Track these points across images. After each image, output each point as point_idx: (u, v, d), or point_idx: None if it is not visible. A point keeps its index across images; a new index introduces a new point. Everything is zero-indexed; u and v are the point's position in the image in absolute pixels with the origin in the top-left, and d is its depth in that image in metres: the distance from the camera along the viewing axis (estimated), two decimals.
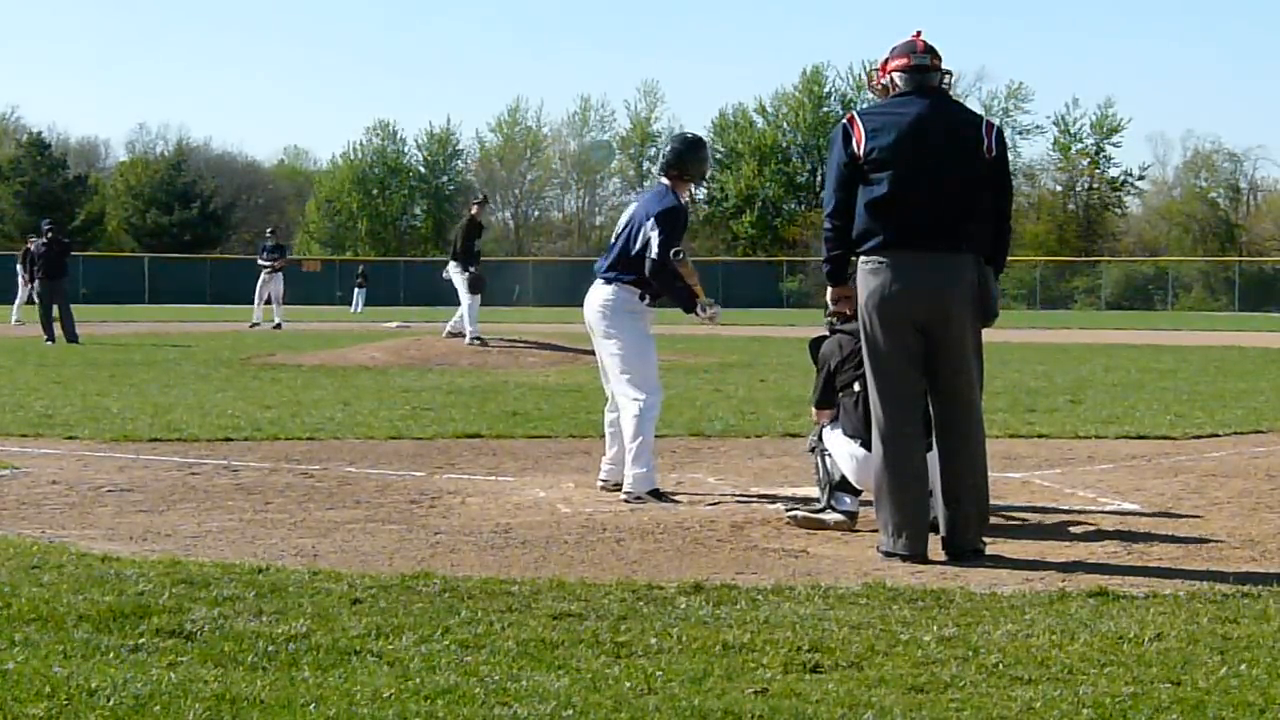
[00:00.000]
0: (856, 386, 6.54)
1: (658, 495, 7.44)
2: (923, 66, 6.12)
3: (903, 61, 6.14)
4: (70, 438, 9.96)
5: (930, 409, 6.11)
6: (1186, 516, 7.02)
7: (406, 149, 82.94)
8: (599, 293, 7.75)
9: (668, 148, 8.02)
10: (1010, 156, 6.45)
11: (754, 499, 7.56)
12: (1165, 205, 76.75)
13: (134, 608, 4.56)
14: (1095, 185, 75.71)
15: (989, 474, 6.23)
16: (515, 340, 20.70)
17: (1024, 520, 6.90)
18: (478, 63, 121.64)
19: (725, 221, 75.81)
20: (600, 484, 7.80)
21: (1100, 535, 6.51)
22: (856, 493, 6.68)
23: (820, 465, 6.82)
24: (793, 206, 75.40)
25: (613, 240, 7.84)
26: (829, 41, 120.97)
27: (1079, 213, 75.10)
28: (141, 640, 4.20)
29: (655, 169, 8.72)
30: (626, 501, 7.40)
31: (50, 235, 23.46)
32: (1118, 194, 76.59)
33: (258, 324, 28.78)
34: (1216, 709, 3.66)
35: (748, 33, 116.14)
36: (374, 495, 7.58)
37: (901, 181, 5.94)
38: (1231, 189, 75.70)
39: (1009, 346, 22.56)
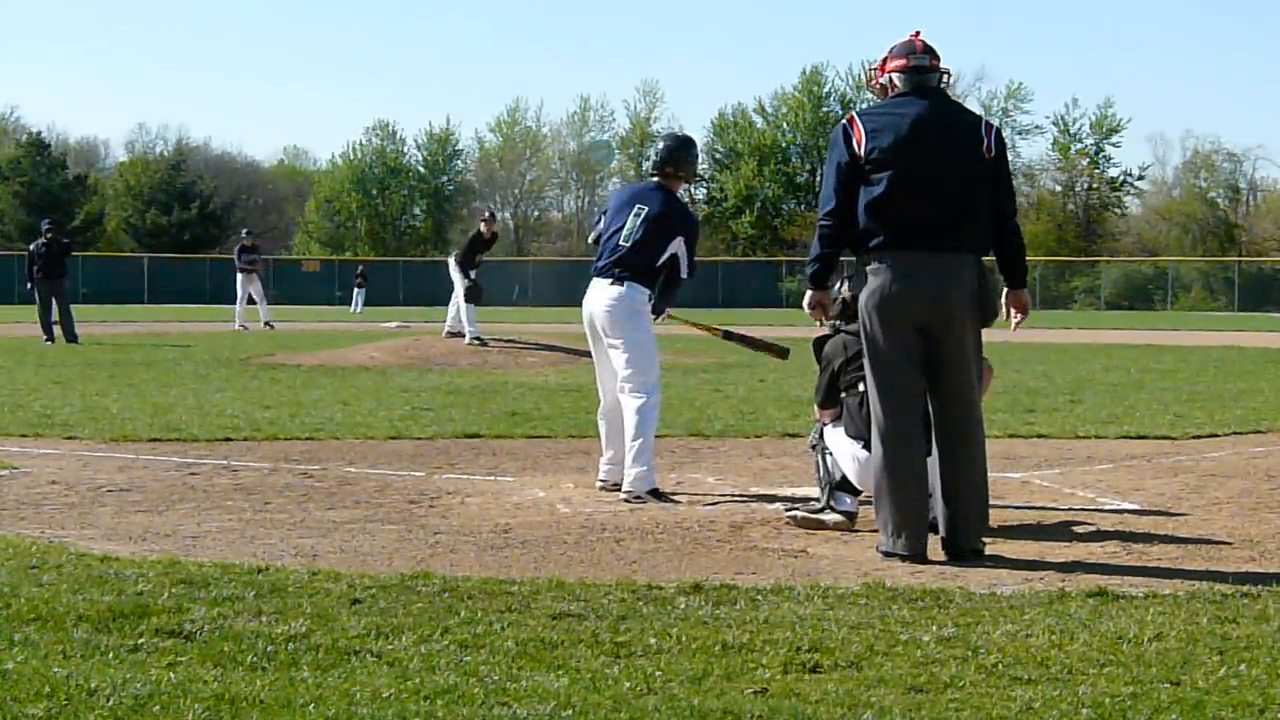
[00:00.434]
0: (860, 387, 6.53)
1: (657, 495, 7.44)
2: (921, 67, 6.12)
3: (901, 62, 6.14)
4: (70, 438, 9.96)
5: (930, 409, 6.11)
6: (1186, 516, 7.02)
7: (406, 149, 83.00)
8: (606, 292, 7.72)
9: (660, 146, 8.12)
10: (1010, 157, 6.45)
11: (753, 499, 7.56)
12: (1165, 205, 76.76)
13: (133, 608, 4.56)
14: (1095, 185, 75.70)
15: (988, 474, 6.23)
16: (514, 340, 20.70)
17: (1023, 520, 6.90)
18: (477, 63, 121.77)
19: (725, 221, 75.79)
20: (599, 484, 7.80)
21: (1100, 535, 6.51)
22: (856, 493, 6.68)
23: (820, 464, 6.82)
24: (792, 206, 75.36)
25: (620, 241, 7.73)
26: (828, 42, 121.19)
27: (1078, 213, 75.09)
28: (141, 640, 4.20)
29: (648, 166, 8.70)
30: (626, 501, 7.40)
31: (50, 235, 23.48)
32: (1117, 194, 76.59)
33: (245, 328, 28.73)
34: (1216, 709, 3.66)
35: (747, 33, 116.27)
36: (373, 495, 7.58)
37: (901, 182, 5.94)
38: (1231, 189, 75.68)
39: (1008, 346, 22.54)
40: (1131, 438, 10.61)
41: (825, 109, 75.42)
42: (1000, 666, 4.04)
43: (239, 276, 29.86)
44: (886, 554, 5.96)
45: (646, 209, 7.76)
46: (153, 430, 10.38)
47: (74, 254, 25.19)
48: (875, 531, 6.15)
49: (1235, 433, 10.92)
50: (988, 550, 6.02)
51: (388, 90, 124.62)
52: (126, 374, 16.18)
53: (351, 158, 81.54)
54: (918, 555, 5.89)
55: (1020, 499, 7.57)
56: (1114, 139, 75.16)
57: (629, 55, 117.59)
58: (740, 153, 76.02)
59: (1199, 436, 10.66)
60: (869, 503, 6.33)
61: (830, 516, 6.65)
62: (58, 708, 3.53)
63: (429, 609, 4.69)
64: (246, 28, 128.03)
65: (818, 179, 69.91)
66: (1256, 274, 65.19)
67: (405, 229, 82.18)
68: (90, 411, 11.66)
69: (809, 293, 6.34)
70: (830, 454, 6.76)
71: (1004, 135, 6.37)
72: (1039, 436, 10.66)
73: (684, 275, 7.79)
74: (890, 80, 6.19)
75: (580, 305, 7.94)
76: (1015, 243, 6.23)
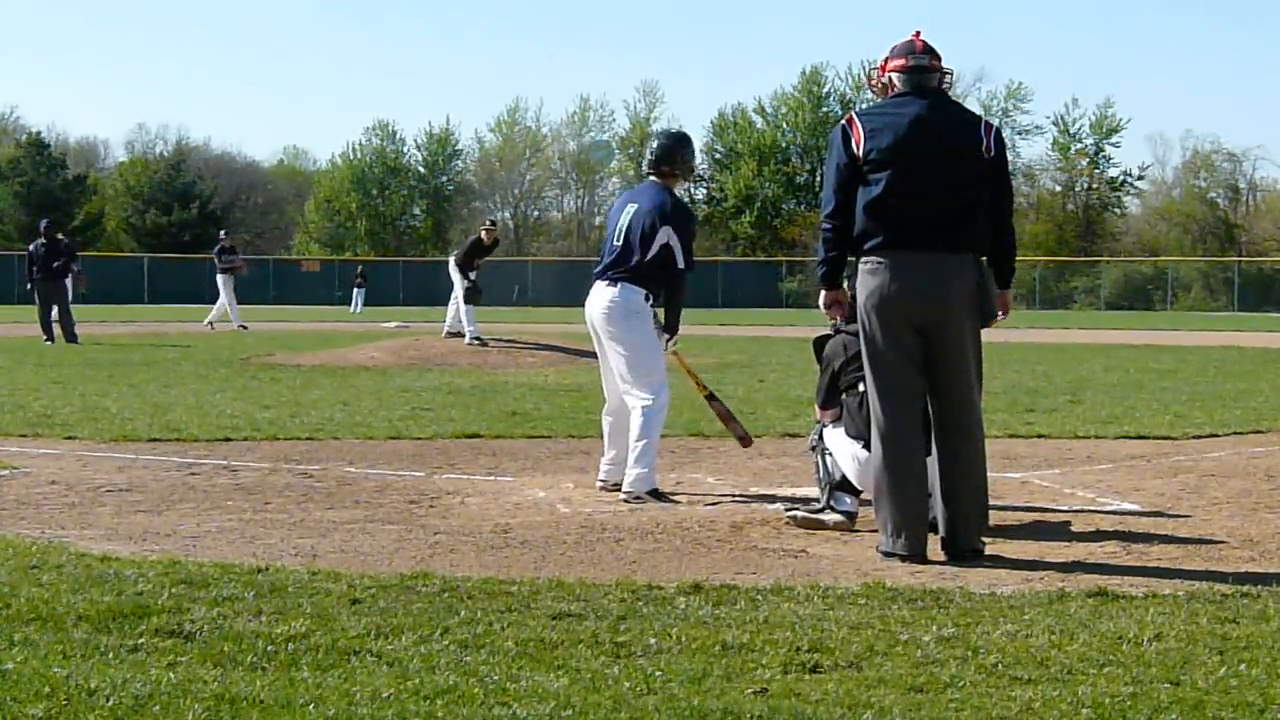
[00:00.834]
0: (861, 387, 6.53)
1: (657, 495, 7.44)
2: (921, 67, 6.12)
3: (901, 62, 6.14)
4: (69, 438, 9.96)
5: (930, 409, 6.11)
6: (1186, 516, 7.02)
7: (406, 149, 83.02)
8: (604, 294, 7.72)
9: (655, 144, 7.98)
10: (1009, 157, 6.45)
11: (753, 499, 7.56)
12: (1164, 205, 76.76)
13: (133, 608, 4.56)
14: (1094, 185, 75.71)
15: (988, 474, 6.23)
16: (514, 340, 20.71)
17: (1023, 520, 6.90)
18: (477, 63, 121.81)
19: (725, 221, 75.79)
20: (599, 484, 7.80)
21: (1099, 535, 6.51)
22: (856, 493, 6.68)
23: (820, 465, 6.82)
24: (792, 206, 75.37)
25: (614, 242, 7.74)
26: (828, 42, 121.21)
27: (1078, 213, 75.10)
28: (141, 640, 4.20)
29: (644, 165, 8.64)
30: (626, 501, 7.40)
31: (49, 236, 23.49)
32: (1117, 194, 76.60)
33: (245, 326, 28.72)
34: (1216, 709, 3.66)
35: (747, 33, 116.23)
36: (373, 495, 7.58)
37: (900, 182, 5.94)
38: (1231, 189, 75.69)
39: (1008, 347, 22.57)
40: (1131, 438, 10.61)
41: (825, 109, 75.43)
42: (1000, 666, 4.04)
43: (220, 278, 29.73)
44: (886, 554, 5.96)
45: (636, 205, 7.76)
46: (152, 430, 10.38)
47: (78, 254, 25.16)
48: (875, 532, 6.15)
49: (1235, 433, 10.92)
50: (987, 550, 6.02)
51: (387, 90, 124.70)
52: (126, 374, 16.18)
53: (351, 158, 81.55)
54: (917, 555, 5.89)
55: (1020, 499, 7.57)
56: (1114, 139, 75.22)
57: (629, 55, 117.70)
58: (740, 153, 76.02)
59: (1199, 436, 10.66)
60: (869, 503, 6.33)
61: (830, 516, 6.65)
62: (57, 708, 3.53)
63: (429, 609, 4.69)
64: (246, 28, 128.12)
65: (818, 179, 70.12)
66: (1256, 274, 65.19)
67: (405, 229, 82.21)
68: (90, 411, 11.66)
69: (823, 293, 6.35)
70: (830, 454, 6.76)
71: (1004, 135, 6.35)
72: (1039, 436, 10.66)
73: (680, 267, 7.61)
74: (890, 80, 6.19)
75: (582, 305, 7.94)
76: (1008, 243, 6.23)
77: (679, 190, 7.93)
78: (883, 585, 5.20)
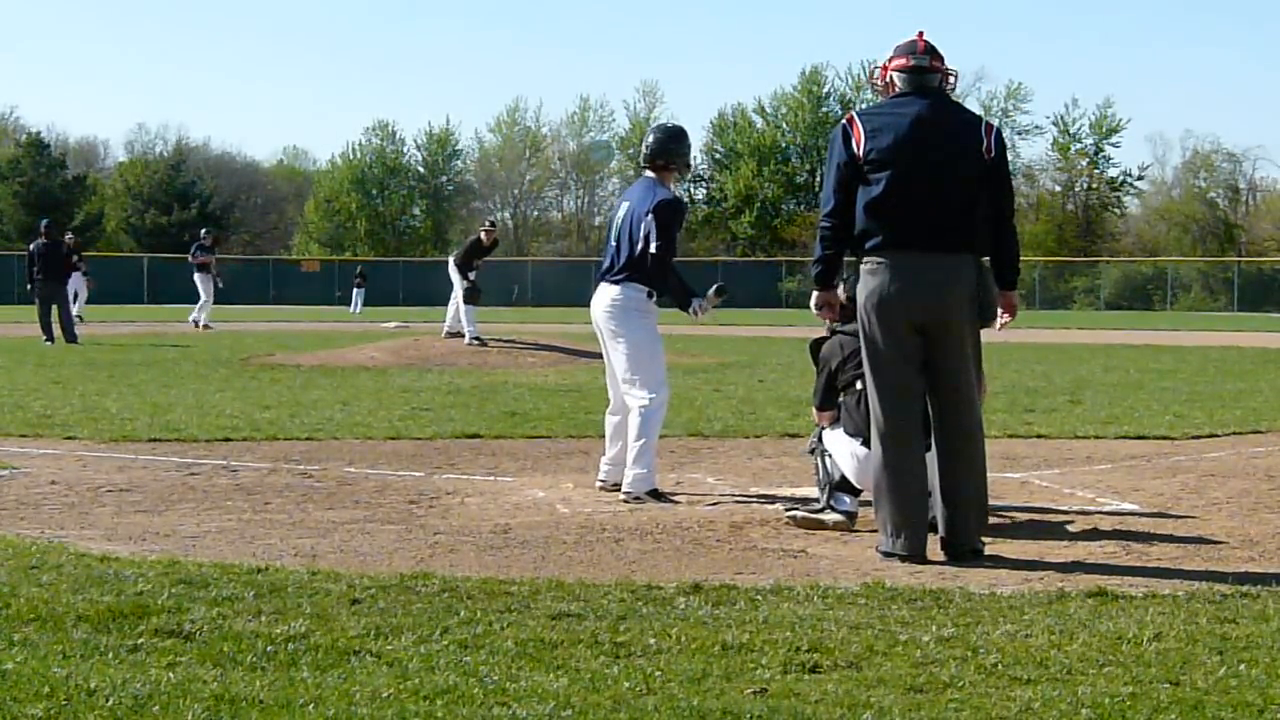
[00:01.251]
0: (858, 385, 6.54)
1: (657, 495, 7.44)
2: (922, 67, 6.12)
3: (902, 62, 6.14)
4: (69, 438, 9.96)
5: (929, 409, 6.11)
6: (1185, 517, 7.02)
7: (405, 149, 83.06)
8: (606, 293, 7.72)
9: (650, 139, 7.88)
10: (1009, 157, 6.44)
11: (753, 499, 7.56)
12: (1164, 205, 76.78)
13: (133, 608, 4.56)
14: (1094, 185, 75.74)
15: (988, 474, 6.23)
16: (514, 340, 20.71)
17: (1022, 520, 6.90)
18: (477, 63, 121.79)
19: (724, 221, 75.81)
20: (599, 484, 7.80)
21: (1099, 535, 6.51)
22: (856, 493, 6.68)
23: (820, 466, 6.82)
24: (792, 206, 75.41)
25: (612, 242, 7.75)
26: (828, 42, 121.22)
27: (1078, 213, 75.12)
28: (140, 640, 4.20)
29: (640, 160, 8.60)
30: (625, 501, 7.39)
31: (49, 235, 23.51)
32: (1117, 194, 76.63)
33: (209, 326, 28.82)
34: (1215, 709, 3.66)
35: (747, 33, 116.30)
36: (373, 495, 7.58)
37: (900, 182, 5.94)
38: (1230, 189, 75.73)
39: (1008, 346, 22.56)
40: (1131, 438, 10.61)
41: (825, 109, 75.47)
42: (1000, 667, 4.04)
43: (198, 275, 29.70)
44: (886, 554, 5.96)
45: (628, 203, 7.76)
46: (152, 430, 10.38)
47: (83, 254, 25.22)
48: (875, 532, 6.15)
49: (1234, 433, 10.93)
50: (987, 550, 6.02)
51: (387, 90, 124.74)
52: (126, 374, 16.18)
53: (351, 158, 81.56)
54: (917, 555, 5.89)
55: (1020, 499, 7.57)
56: (1113, 139, 75.32)
57: (629, 55, 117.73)
58: (740, 153, 76.04)
59: (1198, 437, 10.67)
60: (868, 503, 6.33)
61: (830, 516, 6.65)
62: (57, 708, 3.53)
63: (428, 609, 4.69)
64: (246, 28, 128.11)
65: (817, 179, 70.12)
66: (1256, 274, 65.20)
67: (405, 229, 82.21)
68: (90, 412, 11.66)
69: (816, 293, 6.34)
70: (829, 455, 6.76)
71: (1004, 136, 6.35)
72: (1038, 436, 10.66)
73: (651, 250, 7.45)
74: (891, 80, 6.19)
75: (582, 305, 7.93)
76: (1010, 244, 6.22)
77: (676, 187, 7.89)
78: (882, 585, 5.20)
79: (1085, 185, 75.95)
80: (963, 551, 5.94)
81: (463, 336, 20.04)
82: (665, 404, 7.72)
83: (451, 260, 21.13)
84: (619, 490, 7.54)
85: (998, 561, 5.89)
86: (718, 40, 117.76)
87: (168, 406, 12.20)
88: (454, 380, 15.70)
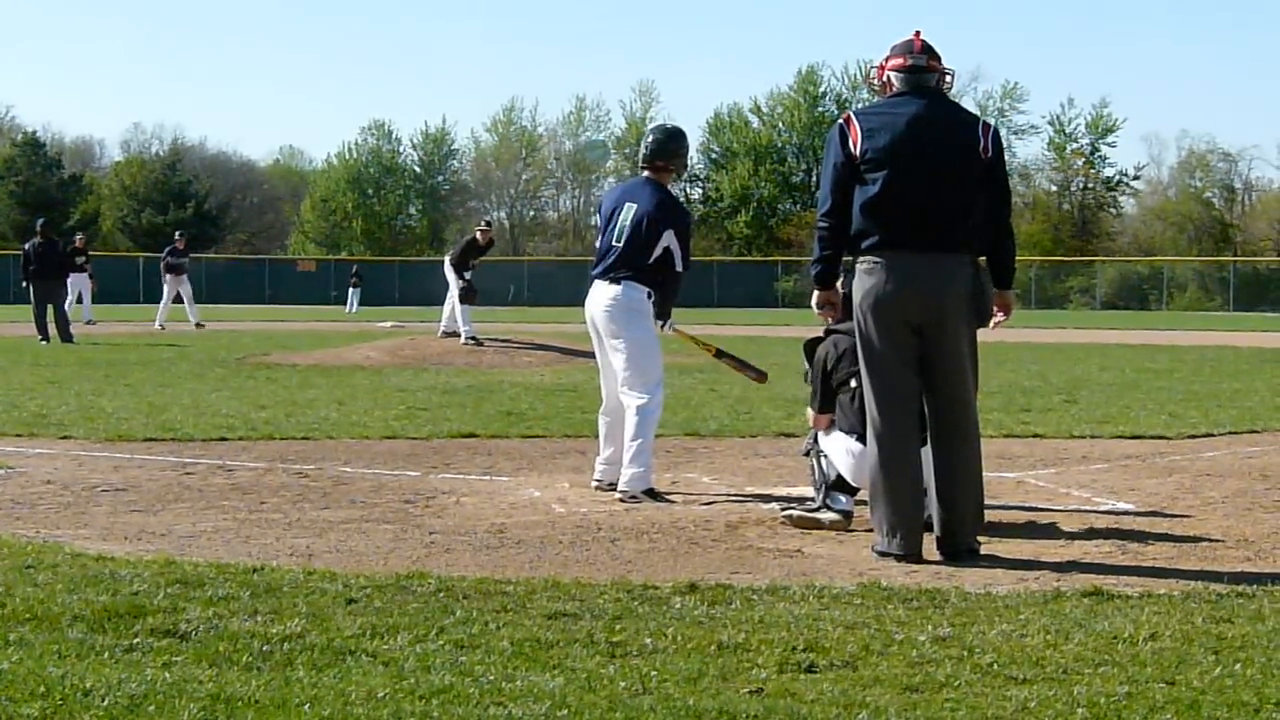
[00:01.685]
0: (853, 383, 6.54)
1: (653, 495, 7.44)
2: (919, 67, 6.11)
3: (899, 61, 6.14)
4: (65, 437, 9.95)
5: (925, 409, 6.11)
6: (1181, 516, 7.03)
7: (402, 149, 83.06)
8: (605, 292, 7.71)
9: (649, 139, 7.89)
10: (1006, 157, 6.44)
11: (749, 499, 7.56)
12: (1160, 205, 76.85)
13: (129, 607, 4.56)
14: (1090, 185, 75.79)
15: (984, 474, 6.23)
16: (510, 340, 20.70)
17: (1019, 520, 6.90)
18: (473, 62, 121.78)
19: (720, 221, 75.79)
20: (595, 484, 7.79)
21: (1095, 535, 6.51)
22: (852, 492, 6.68)
23: (816, 466, 6.82)
24: (788, 206, 75.44)
25: (614, 241, 7.70)
26: (824, 41, 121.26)
27: (1074, 213, 75.17)
28: (136, 640, 4.20)
29: (639, 160, 8.55)
30: (621, 501, 7.39)
31: (45, 235, 23.50)
32: (1113, 194, 76.70)
33: (164, 327, 28.90)
34: (1211, 709, 3.66)
35: (743, 33, 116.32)
36: (369, 495, 7.57)
37: (897, 182, 5.94)
38: (1226, 189, 75.82)
39: (1004, 346, 22.56)
40: (1127, 437, 10.62)
41: (821, 109, 75.49)
42: (995, 666, 4.05)
43: (167, 277, 29.84)
44: (882, 554, 5.96)
45: (636, 205, 7.71)
46: (148, 430, 10.37)
47: (90, 255, 25.39)
48: (870, 531, 6.15)
49: (1230, 432, 10.94)
50: (983, 550, 6.03)
51: (383, 90, 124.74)
52: (122, 374, 16.16)
53: (347, 157, 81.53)
54: (913, 555, 5.89)
55: (1016, 499, 7.57)
56: (1109, 139, 75.39)
57: (625, 55, 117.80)
58: (736, 152, 76.07)
59: (1194, 436, 10.67)
60: (864, 503, 6.33)
61: (826, 516, 6.65)
62: (53, 708, 3.53)
63: (424, 609, 4.69)
64: (242, 27, 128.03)
65: (813, 179, 70.19)
66: (1251, 274, 65.24)
67: (401, 229, 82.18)
68: (85, 411, 11.65)
69: (816, 293, 6.35)
70: (825, 455, 6.76)
71: (1001, 136, 6.35)
72: (1034, 436, 10.67)
73: (678, 269, 7.68)
74: (888, 79, 6.19)
75: (578, 305, 7.93)
76: (1007, 244, 6.22)
77: (672, 187, 7.91)
78: (878, 585, 5.20)
79: (1081, 185, 76.01)
80: (958, 551, 5.95)
81: (458, 336, 20.02)
82: (662, 404, 7.73)
83: (447, 260, 21.10)
84: (615, 490, 7.54)
85: (993, 561, 5.89)
86: (714, 40, 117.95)
87: (163, 406, 12.19)
88: (450, 380, 15.70)
